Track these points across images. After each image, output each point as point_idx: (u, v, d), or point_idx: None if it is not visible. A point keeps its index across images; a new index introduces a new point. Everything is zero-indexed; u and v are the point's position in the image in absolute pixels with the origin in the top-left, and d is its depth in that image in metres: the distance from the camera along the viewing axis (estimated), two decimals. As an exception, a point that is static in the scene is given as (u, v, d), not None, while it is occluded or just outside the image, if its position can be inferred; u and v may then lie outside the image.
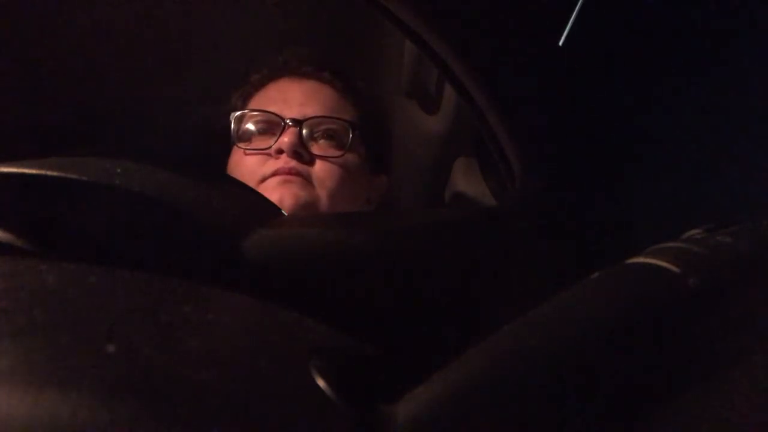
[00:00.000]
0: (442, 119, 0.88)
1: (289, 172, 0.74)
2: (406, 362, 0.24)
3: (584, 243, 0.45)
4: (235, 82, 0.87)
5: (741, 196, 0.53)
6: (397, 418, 0.21)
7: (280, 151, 0.75)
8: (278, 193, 0.73)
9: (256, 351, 0.21)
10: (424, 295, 0.34)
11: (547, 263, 0.41)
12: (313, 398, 0.20)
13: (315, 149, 0.77)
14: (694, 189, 0.54)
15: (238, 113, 0.81)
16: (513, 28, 0.52)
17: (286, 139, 0.75)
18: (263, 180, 0.75)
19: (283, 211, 0.60)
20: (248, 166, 0.77)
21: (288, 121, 0.76)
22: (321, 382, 0.21)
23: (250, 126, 0.79)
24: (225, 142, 0.84)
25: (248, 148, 0.78)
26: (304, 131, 0.76)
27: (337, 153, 0.77)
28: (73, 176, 0.30)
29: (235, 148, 0.81)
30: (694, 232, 0.30)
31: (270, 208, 0.40)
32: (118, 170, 0.31)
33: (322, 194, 0.76)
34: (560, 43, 0.52)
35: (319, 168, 0.76)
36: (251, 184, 0.75)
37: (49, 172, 0.30)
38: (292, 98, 0.79)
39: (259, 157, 0.77)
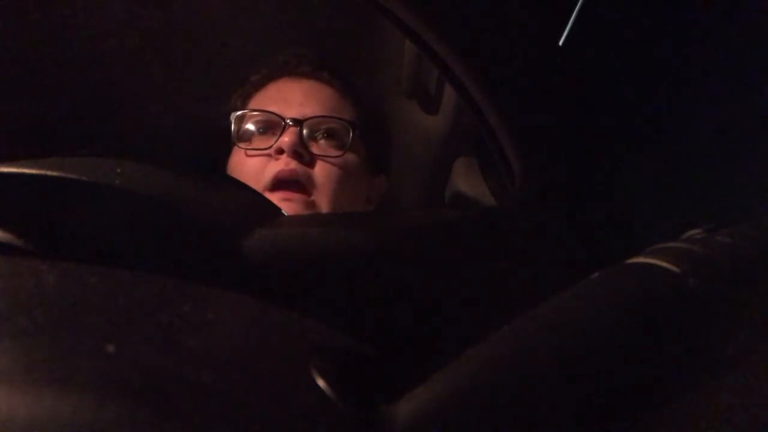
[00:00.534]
0: (442, 119, 0.88)
1: (290, 175, 0.74)
2: (406, 362, 0.24)
3: (584, 243, 0.45)
4: (236, 82, 0.87)
5: (741, 196, 0.53)
6: (397, 418, 0.21)
7: (280, 151, 0.75)
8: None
9: (256, 351, 0.21)
10: (424, 294, 0.34)
11: (547, 263, 0.41)
12: (313, 398, 0.20)
13: (315, 149, 0.77)
14: (694, 189, 0.54)
15: (238, 113, 0.81)
16: (513, 28, 0.52)
17: (286, 139, 0.75)
18: (265, 190, 0.75)
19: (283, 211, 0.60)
20: (249, 168, 0.77)
21: (288, 120, 0.77)
22: (321, 382, 0.21)
23: (251, 126, 0.80)
24: (225, 142, 0.84)
25: (249, 148, 0.78)
26: (305, 131, 0.77)
27: (338, 153, 0.77)
28: (73, 176, 0.30)
29: (235, 149, 0.81)
30: (694, 232, 0.30)
31: (270, 208, 0.40)
32: (118, 170, 0.31)
33: (323, 198, 0.76)
34: (560, 43, 0.52)
35: (319, 168, 0.76)
36: (253, 187, 0.75)
37: (49, 172, 0.30)
38: (291, 98, 0.80)
39: (260, 158, 0.77)
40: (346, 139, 0.78)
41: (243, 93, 0.84)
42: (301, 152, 0.75)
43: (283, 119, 0.77)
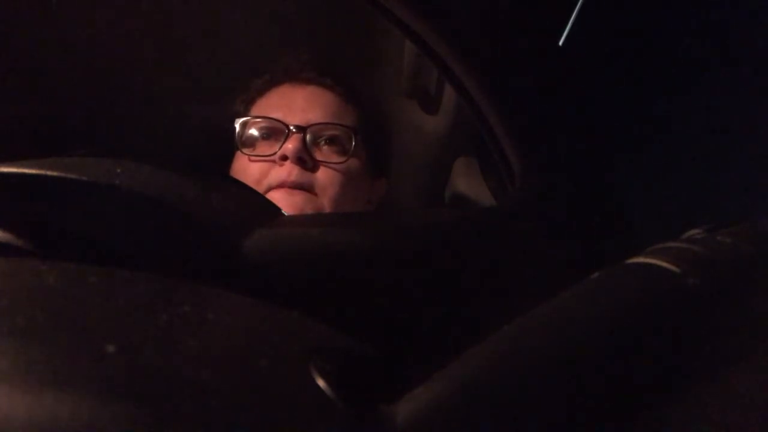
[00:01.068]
0: (442, 119, 0.88)
1: (293, 183, 0.75)
2: (406, 362, 0.24)
3: (584, 243, 0.45)
4: (236, 83, 0.87)
5: (741, 196, 0.53)
6: (397, 418, 0.21)
7: (284, 158, 0.76)
8: (282, 206, 0.74)
9: (256, 351, 0.21)
10: (424, 295, 0.34)
11: (547, 263, 0.41)
12: (313, 398, 0.20)
13: (318, 155, 0.78)
14: (694, 189, 0.54)
15: (241, 119, 0.82)
16: (513, 28, 0.52)
17: (290, 146, 0.76)
18: (268, 191, 0.76)
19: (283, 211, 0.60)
20: (252, 173, 0.78)
21: (292, 127, 0.77)
22: (321, 382, 0.21)
23: (254, 132, 0.80)
24: (225, 142, 0.84)
25: (252, 154, 0.79)
26: (308, 137, 0.77)
27: (341, 159, 0.78)
28: (73, 176, 0.30)
29: (238, 154, 0.82)
30: (694, 232, 0.30)
31: (270, 208, 0.40)
32: (119, 170, 0.31)
33: (325, 201, 0.77)
34: (560, 43, 0.52)
35: (322, 175, 0.77)
36: None
37: (49, 172, 0.30)
38: (294, 104, 0.80)
39: (263, 164, 0.78)
40: (349, 145, 0.79)
41: (246, 99, 0.85)
42: (305, 159, 0.76)
43: (287, 126, 0.77)
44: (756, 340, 0.26)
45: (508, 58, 0.51)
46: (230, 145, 0.83)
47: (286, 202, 0.74)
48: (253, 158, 0.79)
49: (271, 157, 0.77)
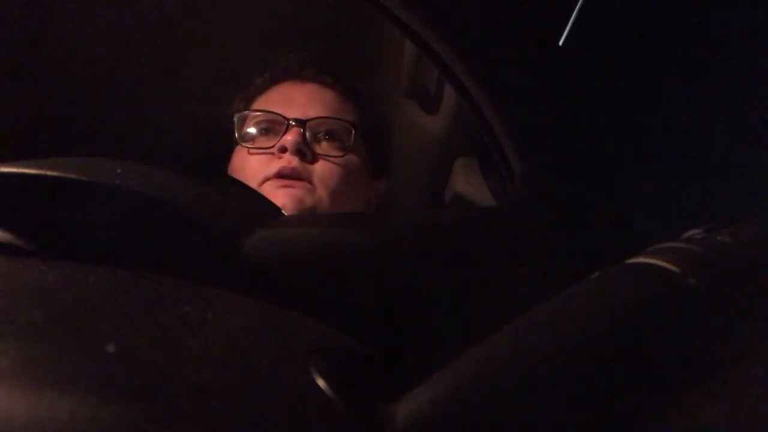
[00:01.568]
0: (442, 119, 0.88)
1: (292, 172, 0.75)
2: (406, 362, 0.24)
3: (584, 243, 0.45)
4: (236, 82, 0.87)
5: (741, 196, 0.53)
6: (397, 418, 0.21)
7: (283, 150, 0.76)
8: (281, 197, 0.74)
9: (256, 351, 0.21)
10: (424, 295, 0.34)
11: (547, 263, 0.41)
12: (313, 398, 0.20)
13: (317, 149, 0.78)
14: (694, 189, 0.54)
15: (241, 114, 0.82)
16: (513, 28, 0.52)
17: (289, 138, 0.76)
18: (266, 180, 0.76)
19: (284, 212, 0.60)
20: (252, 165, 0.78)
21: (291, 121, 0.77)
22: (321, 382, 0.21)
23: (254, 126, 0.81)
24: (225, 141, 0.84)
25: (252, 147, 0.79)
26: (307, 131, 0.77)
27: (340, 153, 0.78)
28: (73, 176, 0.30)
29: (238, 148, 0.82)
30: (694, 232, 0.30)
31: (270, 208, 0.40)
32: (119, 170, 0.31)
33: (324, 195, 0.76)
34: (560, 43, 0.52)
35: (321, 167, 0.77)
36: (254, 184, 0.75)
37: (49, 172, 0.30)
38: (294, 100, 0.81)
39: (263, 156, 0.78)
40: (348, 140, 0.79)
41: (246, 95, 0.85)
42: (304, 151, 0.77)
43: (287, 119, 0.78)
44: (756, 339, 0.26)
45: (508, 58, 0.51)
46: (230, 143, 0.83)
47: (284, 192, 0.74)
48: (252, 151, 0.79)
49: (271, 150, 0.77)
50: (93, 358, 0.19)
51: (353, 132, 0.80)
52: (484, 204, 0.82)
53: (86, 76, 0.82)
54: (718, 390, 0.25)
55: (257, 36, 0.88)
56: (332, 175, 0.77)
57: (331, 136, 0.79)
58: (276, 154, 0.77)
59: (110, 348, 0.19)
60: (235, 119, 0.82)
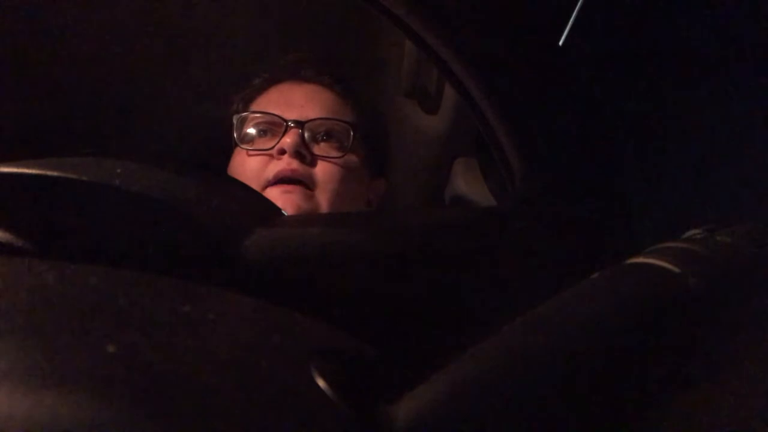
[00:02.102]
0: (442, 119, 0.88)
1: (291, 175, 0.75)
2: (406, 362, 0.24)
3: (584, 243, 0.45)
4: (236, 83, 0.87)
5: (741, 196, 0.53)
6: (397, 418, 0.21)
7: (282, 152, 0.76)
8: (280, 204, 0.74)
9: (256, 351, 0.21)
10: (424, 295, 0.34)
11: (547, 263, 0.41)
12: (314, 398, 0.20)
13: (316, 150, 0.78)
14: (694, 189, 0.54)
15: (240, 115, 0.82)
16: (513, 28, 0.52)
17: (288, 140, 0.76)
18: (266, 185, 0.76)
19: (284, 211, 0.60)
20: (251, 167, 0.78)
21: (290, 122, 0.77)
22: (321, 382, 0.21)
23: (252, 128, 0.81)
24: (225, 142, 0.84)
25: (251, 149, 0.79)
26: (306, 132, 0.78)
27: (339, 154, 0.78)
28: (73, 176, 0.30)
29: (237, 150, 0.82)
30: (694, 232, 0.30)
31: (270, 208, 0.40)
32: (119, 170, 0.31)
33: (323, 198, 0.77)
34: (560, 43, 0.52)
35: (320, 169, 0.77)
36: (254, 187, 0.75)
37: (49, 172, 0.30)
38: (293, 101, 0.81)
39: (262, 158, 0.78)
40: (347, 140, 0.79)
41: (245, 96, 0.85)
42: (303, 153, 0.77)
43: (285, 121, 0.78)
44: (756, 339, 0.26)
45: (509, 58, 0.51)
46: (229, 144, 0.83)
47: (283, 199, 0.74)
48: (251, 153, 0.79)
49: (269, 151, 0.77)
50: (93, 358, 0.19)
51: (352, 133, 0.80)
52: (484, 204, 0.82)
53: (86, 77, 0.82)
54: (717, 389, 0.25)
55: (257, 36, 0.88)
56: (331, 177, 0.77)
57: (329, 137, 0.79)
58: (275, 156, 0.77)
59: (110, 348, 0.19)
60: (234, 121, 0.82)
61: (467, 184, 0.87)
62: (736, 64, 0.54)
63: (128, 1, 0.81)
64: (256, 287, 0.30)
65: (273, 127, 0.79)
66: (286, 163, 0.76)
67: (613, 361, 0.24)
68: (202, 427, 0.18)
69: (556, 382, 0.23)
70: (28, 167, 0.30)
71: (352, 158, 0.80)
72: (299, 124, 0.77)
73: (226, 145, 0.85)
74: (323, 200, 0.76)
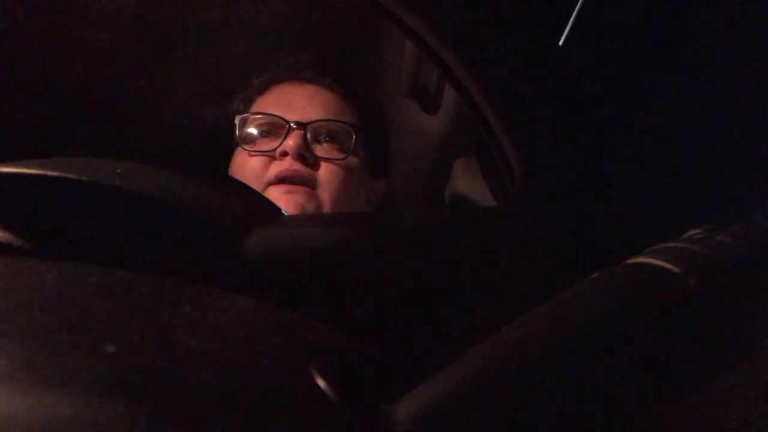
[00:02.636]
0: (442, 119, 0.88)
1: (293, 176, 0.75)
2: (406, 362, 0.24)
3: (584, 243, 0.45)
4: (237, 82, 0.87)
5: (741, 196, 0.53)
6: (397, 418, 0.21)
7: (284, 154, 0.76)
8: (282, 203, 0.74)
9: (256, 351, 0.21)
10: (424, 295, 0.34)
11: (547, 263, 0.41)
12: (313, 398, 0.20)
13: (318, 152, 0.78)
14: (694, 189, 0.54)
15: (241, 116, 0.82)
16: (513, 28, 0.52)
17: (290, 142, 0.76)
18: (268, 185, 0.76)
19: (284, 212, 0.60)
20: (252, 168, 0.78)
21: (292, 124, 0.77)
22: (321, 382, 0.21)
23: (254, 129, 0.81)
24: (226, 142, 0.84)
25: (252, 149, 0.79)
26: (308, 134, 0.78)
27: (341, 156, 0.79)
28: (73, 176, 0.30)
29: (238, 150, 0.82)
30: (694, 232, 0.30)
31: (270, 208, 0.40)
32: (119, 170, 0.31)
33: (325, 198, 0.77)
34: (560, 43, 0.52)
35: (322, 171, 0.77)
36: (255, 187, 0.75)
37: (49, 172, 0.30)
38: (294, 102, 0.81)
39: (263, 159, 0.78)
40: (349, 142, 0.79)
41: (245, 96, 0.85)
42: (306, 155, 0.77)
43: (287, 122, 0.78)
44: (756, 340, 0.26)
45: (508, 58, 0.51)
46: (230, 144, 0.83)
47: (286, 199, 0.74)
48: (253, 153, 0.79)
49: (272, 153, 0.78)
50: (93, 358, 0.19)
51: (354, 134, 0.80)
52: (484, 204, 0.82)
53: (86, 77, 0.82)
54: (718, 390, 0.25)
55: (258, 36, 0.88)
56: (334, 178, 0.77)
57: (331, 138, 0.79)
58: (277, 158, 0.77)
59: (110, 348, 0.19)
60: (236, 121, 0.82)
61: (467, 184, 0.87)
62: (736, 64, 0.54)
63: (129, 2, 0.81)
64: (256, 287, 0.30)
65: (275, 128, 0.79)
66: (288, 164, 0.76)
67: (612, 362, 0.24)
68: (202, 427, 0.18)
69: (556, 383, 0.23)
70: (28, 167, 0.30)
71: (354, 159, 0.80)
72: (301, 125, 0.77)
73: (226, 146, 0.85)
74: (325, 200, 0.77)
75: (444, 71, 0.52)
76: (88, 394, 0.17)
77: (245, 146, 0.80)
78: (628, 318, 0.25)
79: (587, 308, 0.25)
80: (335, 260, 0.33)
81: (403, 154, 0.96)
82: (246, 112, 0.83)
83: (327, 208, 0.77)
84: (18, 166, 0.30)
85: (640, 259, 0.28)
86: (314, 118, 0.79)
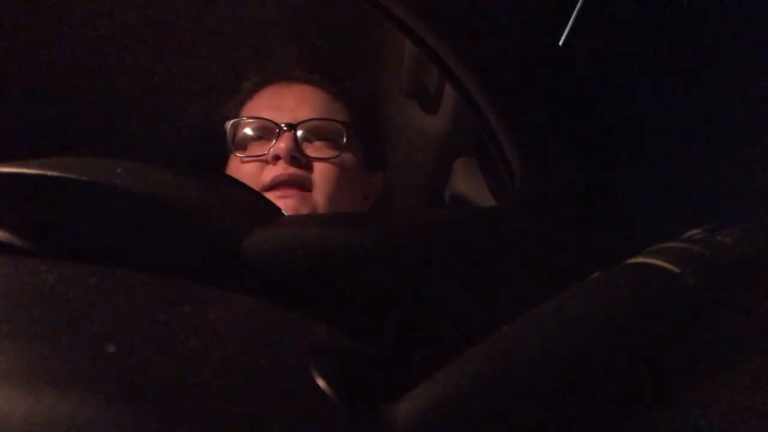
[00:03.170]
0: (442, 119, 0.88)
1: (288, 180, 0.75)
2: (406, 362, 0.24)
3: (584, 243, 0.45)
4: (236, 83, 0.87)
5: (741, 196, 0.53)
6: (397, 418, 0.21)
7: (277, 158, 0.76)
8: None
9: (256, 351, 0.21)
10: (423, 295, 0.34)
11: (547, 263, 0.41)
12: (314, 399, 0.20)
13: (311, 151, 0.78)
14: (694, 189, 0.54)
15: (232, 121, 0.82)
16: (513, 28, 0.52)
17: (282, 145, 0.76)
18: (262, 191, 0.76)
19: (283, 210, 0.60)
20: (246, 173, 0.78)
21: (283, 125, 0.77)
22: (321, 382, 0.21)
23: (245, 133, 0.80)
24: (223, 143, 0.84)
25: (245, 155, 0.79)
26: (299, 134, 0.77)
27: (333, 153, 0.78)
28: (73, 176, 0.30)
29: (232, 156, 0.82)
30: (694, 232, 0.30)
31: (270, 208, 0.40)
32: (119, 170, 0.31)
33: (320, 197, 0.77)
34: (560, 43, 0.52)
35: (316, 170, 0.77)
36: None
37: (49, 172, 0.30)
38: (283, 103, 0.80)
39: (256, 163, 0.78)
40: (341, 139, 0.79)
41: (236, 101, 0.85)
42: (298, 157, 0.77)
43: (277, 125, 0.78)
44: (756, 340, 0.26)
45: (508, 58, 0.51)
46: (225, 150, 0.83)
47: (280, 204, 0.74)
48: (245, 160, 0.79)
49: (264, 157, 0.77)
50: (93, 358, 0.19)
51: (345, 131, 0.79)
52: (484, 204, 0.82)
53: (86, 77, 0.82)
54: (718, 390, 0.25)
55: (258, 36, 0.88)
56: (328, 177, 0.77)
57: (323, 137, 0.79)
58: (270, 162, 0.77)
59: (110, 348, 0.19)
60: (227, 127, 0.81)
61: (467, 184, 0.87)
62: (736, 64, 0.54)
63: (129, 3, 0.81)
64: (256, 287, 0.30)
65: (266, 131, 0.79)
66: (282, 168, 0.76)
67: (612, 362, 0.24)
68: (202, 427, 0.18)
69: (556, 383, 0.23)
70: (28, 167, 0.30)
71: (347, 156, 0.80)
72: (291, 126, 0.77)
73: (224, 146, 0.85)
74: (320, 200, 0.77)
75: (444, 71, 0.52)
76: (88, 394, 0.17)
77: (238, 152, 0.80)
78: (627, 318, 0.25)
79: (587, 308, 0.25)
80: (335, 260, 0.33)
81: (403, 154, 0.96)
82: (237, 116, 0.83)
83: (322, 208, 0.76)
84: (18, 166, 0.30)
85: (640, 259, 0.28)
86: (304, 119, 0.78)
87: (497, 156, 0.54)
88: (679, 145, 0.55)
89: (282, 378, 0.21)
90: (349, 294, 0.32)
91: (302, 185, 0.76)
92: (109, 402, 0.17)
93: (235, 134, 0.81)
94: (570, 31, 0.51)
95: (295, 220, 0.49)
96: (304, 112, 0.79)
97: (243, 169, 0.79)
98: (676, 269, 0.26)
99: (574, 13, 0.51)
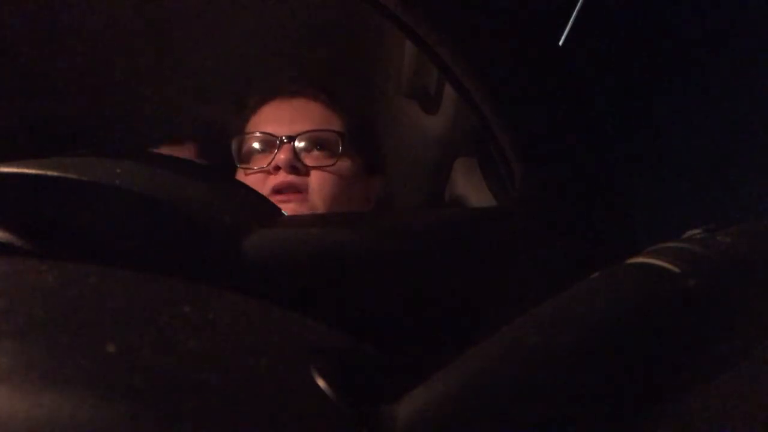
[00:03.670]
0: (442, 119, 0.88)
1: (287, 187, 0.81)
2: (406, 362, 0.24)
3: (584, 243, 0.45)
4: (236, 84, 0.88)
5: (741, 196, 0.53)
6: (397, 418, 0.21)
7: (277, 168, 0.82)
8: None
9: (256, 351, 0.21)
10: (424, 295, 0.34)
11: (547, 263, 0.41)
12: (313, 398, 0.20)
13: (309, 160, 0.83)
14: (694, 189, 0.54)
15: (237, 137, 0.87)
16: (513, 28, 0.52)
17: (282, 156, 0.82)
18: None
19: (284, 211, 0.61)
20: (251, 184, 0.81)
21: (282, 138, 0.83)
22: (321, 382, 0.21)
23: (249, 147, 0.86)
24: (224, 141, 0.85)
25: (249, 168, 0.84)
26: (298, 145, 0.83)
27: (330, 161, 0.83)
28: (73, 176, 0.30)
29: (238, 170, 0.87)
30: (694, 232, 0.30)
31: (270, 208, 0.40)
32: (119, 170, 0.31)
33: (318, 201, 0.82)
34: (560, 43, 0.52)
35: (313, 177, 0.83)
36: None
37: (49, 172, 0.30)
38: (283, 117, 0.86)
39: (260, 174, 0.84)
40: (336, 147, 0.84)
41: (242, 117, 0.90)
42: (297, 166, 0.82)
43: (278, 137, 0.83)
44: (756, 340, 0.26)
45: (508, 58, 0.51)
46: (227, 143, 0.85)
47: (281, 208, 0.77)
48: (249, 172, 0.84)
49: (266, 168, 0.83)
50: (93, 358, 0.19)
51: (340, 140, 0.84)
52: (484, 204, 0.82)
53: (86, 77, 0.82)
54: (718, 389, 0.25)
55: (257, 36, 0.89)
56: (324, 183, 0.82)
57: (320, 146, 0.84)
58: (272, 172, 0.82)
59: (110, 348, 0.19)
60: (233, 143, 0.87)
61: (467, 184, 0.87)
62: (736, 64, 0.54)
63: (129, 4, 0.81)
64: (256, 287, 0.30)
65: (268, 144, 0.84)
66: (282, 177, 0.81)
67: (612, 361, 0.24)
68: (202, 427, 0.18)
69: (556, 383, 0.23)
70: (28, 167, 0.30)
71: (345, 163, 0.84)
72: (290, 138, 0.83)
73: (225, 146, 0.86)
74: (318, 203, 0.82)
75: (444, 71, 0.52)
76: (88, 394, 0.17)
77: (243, 165, 0.85)
78: (628, 318, 0.25)
79: (587, 308, 0.25)
80: (335, 260, 0.33)
81: (403, 154, 0.96)
82: (241, 133, 0.88)
83: (322, 209, 0.81)
84: (18, 166, 0.30)
85: (640, 259, 0.28)
86: (301, 131, 0.84)
87: (497, 156, 0.54)
88: (679, 145, 0.55)
89: (282, 378, 0.21)
90: (349, 294, 0.32)
91: (300, 190, 0.82)
92: (108, 402, 0.17)
93: (240, 149, 0.87)
94: (570, 31, 0.51)
95: (296, 220, 0.49)
96: (302, 125, 0.85)
97: (247, 180, 0.84)
98: (676, 269, 0.26)
99: (574, 13, 0.51)
